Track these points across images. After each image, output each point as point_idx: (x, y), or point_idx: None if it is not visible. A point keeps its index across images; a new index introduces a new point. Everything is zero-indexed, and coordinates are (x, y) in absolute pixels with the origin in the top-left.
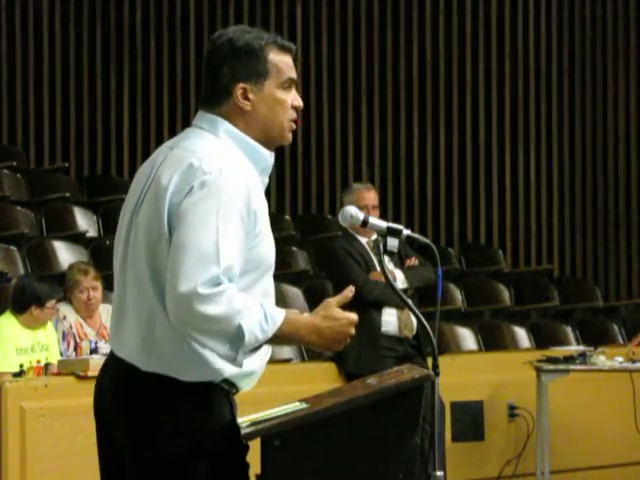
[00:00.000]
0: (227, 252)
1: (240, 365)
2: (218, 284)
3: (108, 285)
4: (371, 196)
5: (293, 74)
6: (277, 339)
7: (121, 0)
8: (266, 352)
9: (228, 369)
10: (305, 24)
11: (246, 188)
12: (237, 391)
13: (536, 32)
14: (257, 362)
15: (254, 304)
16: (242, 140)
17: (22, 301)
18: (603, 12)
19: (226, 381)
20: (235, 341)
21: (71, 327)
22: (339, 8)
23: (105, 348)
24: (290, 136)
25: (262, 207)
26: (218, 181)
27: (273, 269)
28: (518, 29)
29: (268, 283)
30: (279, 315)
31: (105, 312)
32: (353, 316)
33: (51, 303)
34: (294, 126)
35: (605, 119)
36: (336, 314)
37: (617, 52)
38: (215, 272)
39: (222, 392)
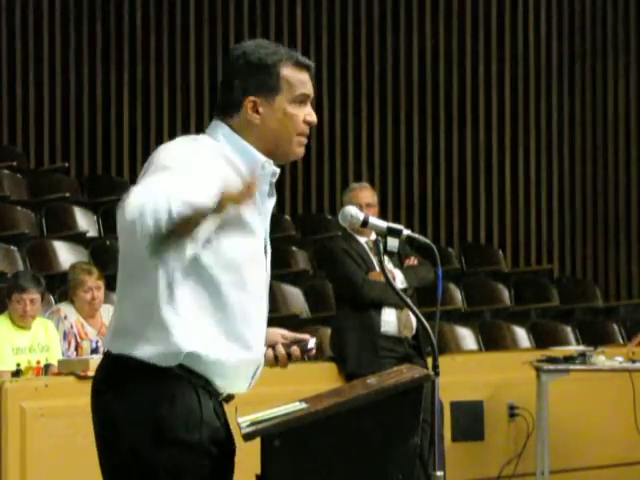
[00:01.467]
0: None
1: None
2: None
3: (109, 285)
4: (364, 195)
5: (307, 90)
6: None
7: (121, 0)
8: (239, 348)
9: (188, 343)
10: (305, 24)
11: (219, 164)
12: (212, 386)
13: (536, 32)
14: (221, 351)
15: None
16: (236, 141)
17: (7, 291)
18: (603, 12)
19: (188, 370)
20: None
21: (72, 327)
22: (339, 8)
23: None
24: (301, 151)
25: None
26: (178, 141)
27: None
28: (518, 29)
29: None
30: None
31: (106, 312)
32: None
33: (16, 296)
34: (304, 141)
35: (605, 119)
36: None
37: (617, 52)
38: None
39: (189, 385)
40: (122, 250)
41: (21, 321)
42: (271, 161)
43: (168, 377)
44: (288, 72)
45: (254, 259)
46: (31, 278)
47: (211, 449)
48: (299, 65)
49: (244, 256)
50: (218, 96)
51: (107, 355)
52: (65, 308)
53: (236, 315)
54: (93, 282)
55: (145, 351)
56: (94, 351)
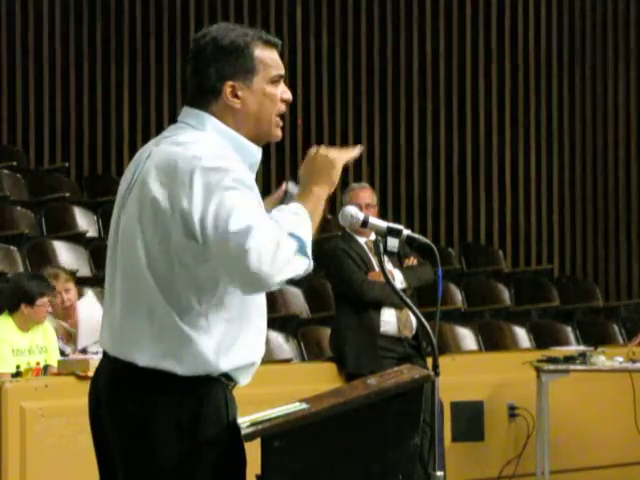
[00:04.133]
0: (246, 205)
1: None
2: (254, 230)
3: None
4: (364, 195)
5: (281, 68)
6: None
7: (121, 0)
8: (262, 345)
9: (227, 362)
10: (305, 24)
11: (242, 167)
12: (235, 384)
13: (536, 32)
14: (256, 354)
15: (287, 217)
16: (230, 135)
17: (12, 300)
18: (603, 12)
19: (224, 374)
20: (303, 251)
21: (57, 330)
22: (339, 7)
23: (94, 349)
24: (279, 132)
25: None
26: (215, 162)
27: None
28: (518, 28)
29: None
30: (302, 209)
31: (84, 306)
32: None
33: (42, 301)
34: (281, 123)
35: (605, 119)
36: (307, 158)
37: (617, 52)
38: (246, 224)
39: (220, 385)
40: (179, 277)
41: (30, 325)
42: (260, 149)
43: (207, 382)
44: (261, 52)
45: None
46: (40, 283)
47: (235, 442)
48: (269, 44)
49: None
50: (190, 85)
51: (131, 366)
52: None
53: (262, 316)
54: (61, 285)
55: (183, 368)
56: (82, 352)
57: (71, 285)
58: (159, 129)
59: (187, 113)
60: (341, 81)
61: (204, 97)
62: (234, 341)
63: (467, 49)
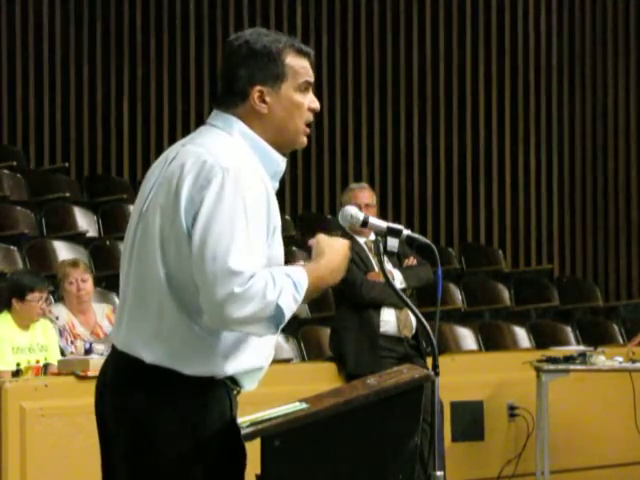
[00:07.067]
0: (254, 249)
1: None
2: (249, 279)
3: (108, 285)
4: (364, 195)
5: (310, 77)
6: (306, 296)
7: (121, 1)
8: (271, 350)
9: (234, 364)
10: (305, 24)
11: (264, 186)
12: (240, 389)
13: (536, 32)
14: (265, 359)
15: (283, 280)
16: (256, 142)
17: (5, 295)
18: (603, 12)
19: (230, 378)
20: (276, 320)
21: (64, 328)
22: (339, 8)
23: (100, 349)
24: (305, 140)
25: (277, 208)
26: (238, 179)
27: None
28: (518, 29)
29: None
30: (304, 278)
31: (100, 311)
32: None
33: (32, 296)
34: (308, 130)
35: (605, 119)
36: (327, 242)
37: (617, 52)
38: (244, 268)
39: (224, 389)
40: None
41: (26, 321)
42: (285, 158)
43: (212, 384)
44: (292, 60)
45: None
46: (33, 278)
47: (236, 444)
48: (301, 52)
49: (281, 262)
50: (219, 87)
51: (137, 362)
52: (57, 309)
53: None
54: (79, 274)
55: (189, 368)
56: (87, 352)
57: (88, 276)
58: (159, 129)
59: (215, 115)
60: (341, 81)
61: (232, 99)
62: (244, 345)
63: (467, 49)
